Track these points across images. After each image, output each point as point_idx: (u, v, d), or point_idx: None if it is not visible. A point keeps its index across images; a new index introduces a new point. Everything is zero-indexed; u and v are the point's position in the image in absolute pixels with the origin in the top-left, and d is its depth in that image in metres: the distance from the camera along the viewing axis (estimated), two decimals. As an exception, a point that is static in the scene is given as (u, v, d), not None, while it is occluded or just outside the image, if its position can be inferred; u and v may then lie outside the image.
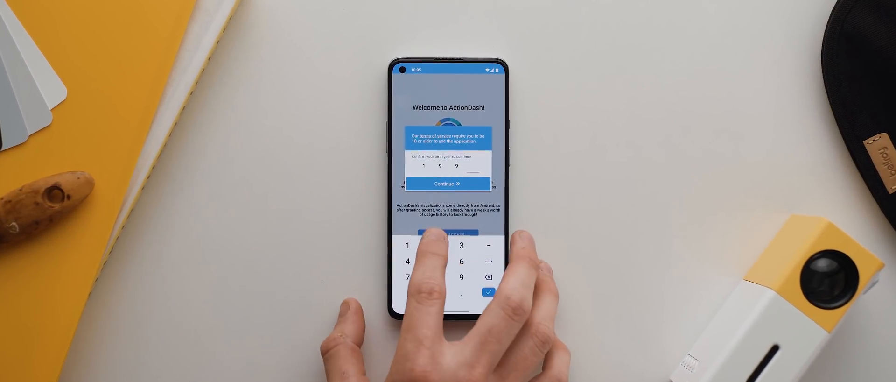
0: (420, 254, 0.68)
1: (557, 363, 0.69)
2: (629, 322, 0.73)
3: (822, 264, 0.69)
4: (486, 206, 0.72)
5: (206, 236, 0.73)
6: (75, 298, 0.69)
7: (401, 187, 0.72)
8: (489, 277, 0.72)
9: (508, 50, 0.73)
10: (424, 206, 0.72)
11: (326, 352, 0.70)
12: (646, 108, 0.73)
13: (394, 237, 0.72)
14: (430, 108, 0.72)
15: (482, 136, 0.72)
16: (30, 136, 0.69)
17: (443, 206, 0.72)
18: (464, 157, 0.72)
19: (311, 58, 0.73)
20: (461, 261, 0.72)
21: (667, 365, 0.73)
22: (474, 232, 0.72)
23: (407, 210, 0.72)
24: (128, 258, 0.73)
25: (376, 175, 0.73)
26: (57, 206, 0.68)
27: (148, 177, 0.71)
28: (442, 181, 0.72)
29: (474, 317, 0.72)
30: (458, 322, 0.73)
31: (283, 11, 0.73)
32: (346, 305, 0.72)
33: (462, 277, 0.72)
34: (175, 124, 0.71)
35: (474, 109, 0.72)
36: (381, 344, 0.73)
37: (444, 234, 0.69)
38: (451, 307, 0.72)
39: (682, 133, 0.73)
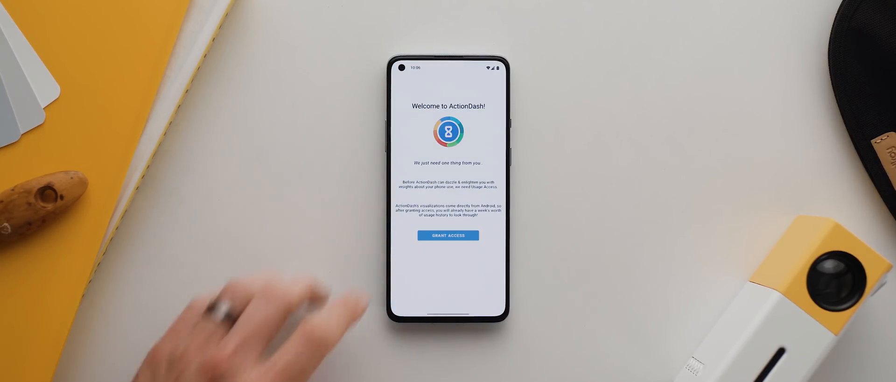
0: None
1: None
2: (632, 324, 0.73)
3: (829, 265, 0.69)
4: (487, 206, 0.72)
5: (202, 237, 0.72)
6: (68, 300, 0.69)
7: (400, 186, 0.71)
8: (488, 278, 0.72)
9: (510, 47, 0.73)
10: (424, 206, 0.71)
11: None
12: (650, 106, 0.73)
13: (393, 238, 0.71)
14: (429, 106, 0.72)
15: (483, 136, 0.72)
16: (22, 135, 0.69)
17: (442, 206, 0.72)
18: (464, 157, 0.72)
19: (308, 55, 0.72)
20: (458, 262, 0.72)
21: (671, 368, 0.73)
22: (475, 233, 0.72)
23: (406, 211, 0.72)
24: (122, 260, 0.72)
25: (375, 175, 0.72)
26: (50, 206, 0.68)
27: (142, 177, 0.71)
28: (442, 181, 0.72)
29: (471, 319, 0.71)
30: (454, 324, 0.73)
31: (279, 8, 0.72)
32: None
33: (459, 278, 0.72)
34: (170, 123, 0.71)
35: (475, 107, 0.72)
36: (381, 347, 0.73)
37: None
38: (448, 309, 0.72)
39: (686, 132, 0.73)
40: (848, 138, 0.73)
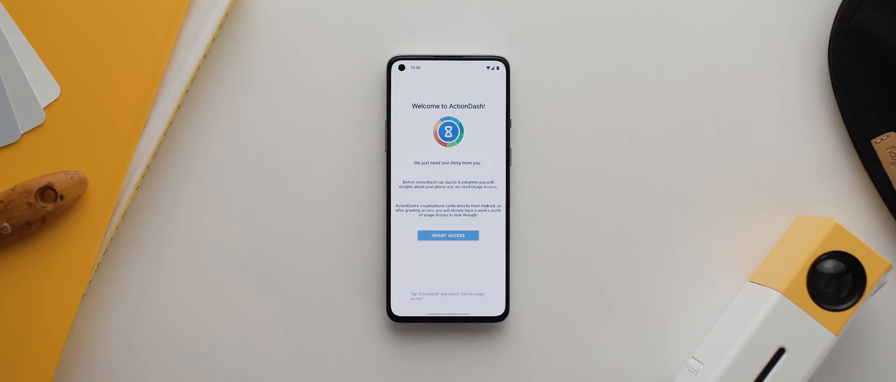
0: None
1: None
2: (632, 325, 0.73)
3: (829, 265, 0.69)
4: (487, 206, 0.72)
5: (202, 236, 0.72)
6: (69, 300, 0.69)
7: (400, 186, 0.71)
8: (488, 278, 0.72)
9: (510, 47, 0.72)
10: (424, 206, 0.71)
11: None
12: (650, 106, 0.73)
13: (393, 238, 0.71)
14: (429, 106, 0.72)
15: (483, 136, 0.72)
16: (22, 135, 0.69)
17: (442, 206, 0.72)
18: (464, 157, 0.71)
19: (308, 55, 0.72)
20: (458, 262, 0.72)
21: (671, 368, 0.73)
22: (475, 233, 0.71)
23: (406, 211, 0.71)
24: (122, 260, 0.72)
25: (375, 175, 0.72)
26: (50, 206, 0.68)
27: (142, 177, 0.71)
28: (442, 181, 0.72)
29: (471, 319, 0.71)
30: (454, 324, 0.72)
31: (280, 8, 0.72)
32: None
33: (459, 278, 0.72)
34: (170, 123, 0.71)
35: (475, 107, 0.72)
36: (381, 347, 0.73)
37: None
38: (448, 309, 0.72)
39: (686, 132, 0.73)
40: (848, 138, 0.73)
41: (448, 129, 0.72)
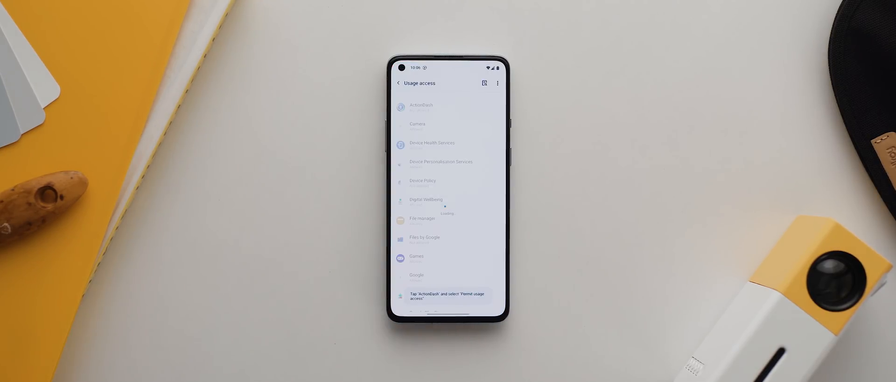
0: None
1: None
2: (632, 325, 0.73)
3: (829, 265, 0.69)
4: (487, 206, 0.71)
5: (202, 236, 0.72)
6: (69, 300, 0.69)
7: (400, 186, 0.71)
8: (488, 278, 0.72)
9: (510, 47, 0.72)
10: (424, 206, 0.71)
11: None
12: (649, 106, 0.73)
13: (393, 238, 0.71)
14: (429, 106, 0.71)
15: (482, 134, 0.72)
16: (22, 135, 0.69)
17: (443, 206, 0.71)
18: (465, 157, 0.71)
19: (308, 55, 0.72)
20: (459, 263, 0.72)
21: (671, 368, 0.73)
22: (475, 234, 0.71)
23: (406, 211, 0.71)
24: (122, 260, 0.72)
25: (375, 174, 0.72)
26: (50, 206, 0.68)
27: (142, 177, 0.71)
28: (442, 181, 0.71)
29: (471, 319, 0.71)
30: (454, 324, 0.72)
31: (279, 8, 0.72)
32: None
33: (459, 278, 0.72)
34: (170, 123, 0.71)
35: (475, 107, 0.71)
36: (381, 346, 0.73)
37: None
38: (448, 309, 0.72)
39: (686, 133, 0.73)
40: (848, 138, 0.73)
41: (448, 129, 0.72)
